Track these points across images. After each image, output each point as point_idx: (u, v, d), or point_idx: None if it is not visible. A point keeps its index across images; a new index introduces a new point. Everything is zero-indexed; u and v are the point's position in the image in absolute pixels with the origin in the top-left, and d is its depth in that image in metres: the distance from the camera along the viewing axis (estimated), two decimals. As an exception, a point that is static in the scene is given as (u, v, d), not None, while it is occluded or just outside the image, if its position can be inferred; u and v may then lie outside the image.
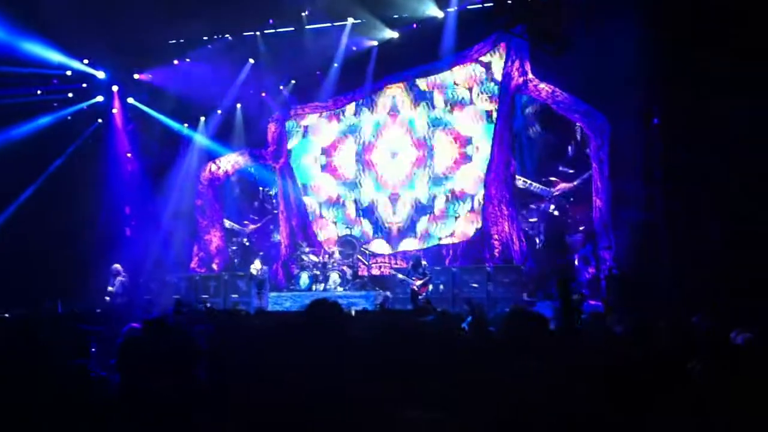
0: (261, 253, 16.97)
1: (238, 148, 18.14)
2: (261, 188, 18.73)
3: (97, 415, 3.09)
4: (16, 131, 15.03)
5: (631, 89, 13.06)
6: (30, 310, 9.67)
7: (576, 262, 14.41)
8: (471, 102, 16.82)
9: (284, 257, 17.68)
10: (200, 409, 2.87)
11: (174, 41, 16.81)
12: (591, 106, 14.19)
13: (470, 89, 16.85)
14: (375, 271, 16.97)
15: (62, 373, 3.62)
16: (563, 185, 14.34)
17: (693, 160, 11.19)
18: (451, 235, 16.77)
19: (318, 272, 16.33)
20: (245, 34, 16.68)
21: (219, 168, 18.21)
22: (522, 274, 13.90)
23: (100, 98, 17.14)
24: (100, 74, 16.77)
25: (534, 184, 14.40)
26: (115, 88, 17.22)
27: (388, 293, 15.23)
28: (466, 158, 16.81)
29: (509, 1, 14.06)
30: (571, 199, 14.05)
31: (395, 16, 15.83)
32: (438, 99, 17.18)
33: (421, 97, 17.38)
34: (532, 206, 14.35)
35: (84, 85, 16.85)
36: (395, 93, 17.62)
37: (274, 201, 18.49)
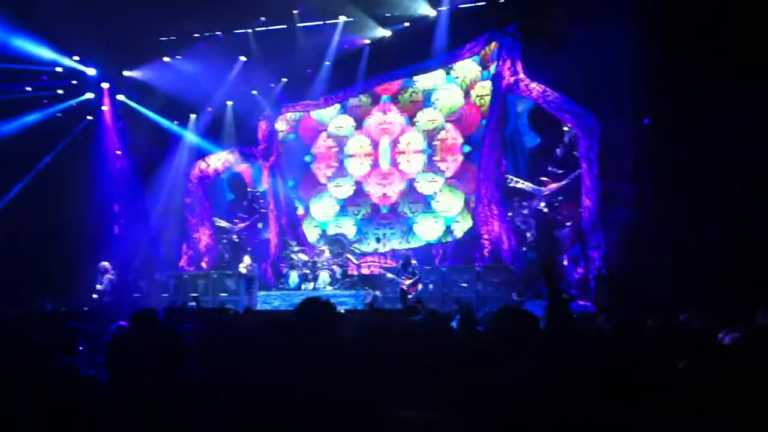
0: (249, 249, 16.94)
1: (229, 146, 18.09)
2: (249, 189, 18.68)
3: (85, 413, 3.07)
4: (5, 128, 14.93)
5: (622, 89, 13.13)
6: (18, 308, 9.61)
7: (565, 262, 14.46)
8: (467, 99, 16.88)
9: (273, 256, 17.66)
10: (189, 408, 2.86)
11: (165, 39, 16.74)
12: (581, 106, 14.25)
13: (468, 89, 16.90)
14: (364, 271, 16.97)
15: (51, 371, 3.60)
16: (553, 185, 14.59)
17: (682, 160, 11.24)
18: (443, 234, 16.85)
19: (307, 271, 16.31)
20: (237, 31, 16.63)
21: (209, 166, 18.16)
22: (512, 273, 13.94)
23: (90, 95, 17.03)
24: (91, 71, 16.68)
25: (526, 183, 14.64)
26: (105, 85, 17.11)
27: (377, 293, 15.22)
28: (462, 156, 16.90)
29: (501, 0, 14.12)
30: (560, 197, 14.31)
31: (387, 15, 15.82)
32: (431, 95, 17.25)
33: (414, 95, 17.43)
34: (525, 203, 14.62)
35: (74, 82, 16.75)
36: (387, 90, 17.65)
37: (261, 200, 18.46)
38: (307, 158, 18.40)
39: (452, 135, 17.07)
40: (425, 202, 17.14)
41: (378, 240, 17.17)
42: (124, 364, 3.50)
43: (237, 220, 18.38)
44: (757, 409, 2.67)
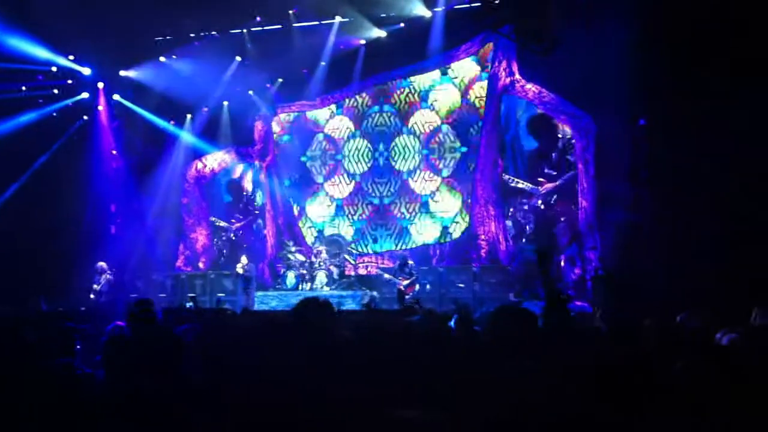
0: (245, 246, 16.92)
1: (225, 146, 18.07)
2: (245, 192, 18.65)
3: (82, 413, 3.06)
4: (0, 127, 14.89)
5: (618, 90, 13.13)
6: (14, 308, 9.59)
7: (562, 263, 14.50)
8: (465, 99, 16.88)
9: (270, 256, 17.63)
10: (187, 407, 2.86)
11: (160, 38, 16.70)
12: (577, 106, 14.29)
13: (466, 90, 16.90)
14: (362, 271, 16.97)
15: (47, 370, 3.59)
16: (549, 185, 14.83)
17: (679, 160, 11.25)
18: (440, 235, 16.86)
19: (305, 271, 16.29)
20: (232, 31, 16.60)
21: (205, 166, 18.13)
22: (508, 274, 13.96)
23: (85, 95, 17.00)
24: (86, 71, 16.65)
25: (525, 183, 14.95)
26: (100, 85, 17.09)
27: (374, 293, 15.23)
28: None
29: (496, 1, 14.13)
30: (555, 196, 14.64)
31: (383, 15, 15.80)
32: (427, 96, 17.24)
33: (410, 95, 17.42)
34: (524, 201, 14.98)
35: (69, 81, 16.72)
36: (381, 91, 17.64)
37: (255, 203, 18.44)
38: (303, 158, 18.36)
39: (450, 136, 17.05)
40: (422, 203, 17.12)
41: (375, 240, 17.17)
42: (122, 364, 3.49)
43: (234, 221, 18.34)
44: (754, 409, 2.67)
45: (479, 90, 16.67)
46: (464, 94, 16.97)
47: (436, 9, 15.20)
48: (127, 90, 17.55)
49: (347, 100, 17.93)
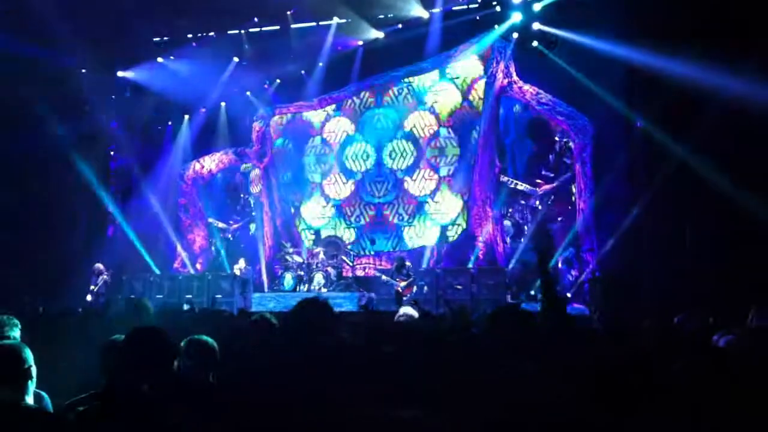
0: (242, 245, 16.89)
1: (223, 147, 18.07)
2: (242, 195, 18.63)
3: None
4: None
5: (615, 91, 13.18)
6: (11, 310, 9.54)
7: (559, 265, 14.52)
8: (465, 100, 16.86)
9: (268, 258, 17.61)
10: (181, 408, 2.85)
11: (158, 39, 16.70)
12: (574, 107, 14.36)
13: (467, 90, 16.87)
14: (359, 272, 16.94)
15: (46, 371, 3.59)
16: (546, 186, 15.02)
17: (676, 162, 11.27)
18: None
19: (302, 273, 16.27)
20: (230, 32, 16.60)
21: (203, 167, 18.12)
22: (506, 275, 13.96)
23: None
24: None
25: (524, 184, 15.18)
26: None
27: (372, 294, 15.21)
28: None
29: (495, 2, 14.16)
30: (552, 196, 14.87)
31: (381, 16, 15.83)
32: (426, 97, 17.21)
33: (409, 96, 17.39)
34: (523, 202, 15.22)
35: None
36: (380, 92, 17.61)
37: (252, 202, 18.42)
38: (307, 159, 18.29)
39: (451, 142, 16.98)
40: (421, 206, 17.07)
41: (373, 242, 17.14)
42: (117, 365, 3.48)
43: (232, 222, 18.32)
44: (752, 411, 2.67)
45: (481, 91, 16.60)
46: (466, 94, 16.90)
47: (433, 10, 15.23)
48: (124, 91, 17.54)
49: (346, 102, 17.88)
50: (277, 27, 16.34)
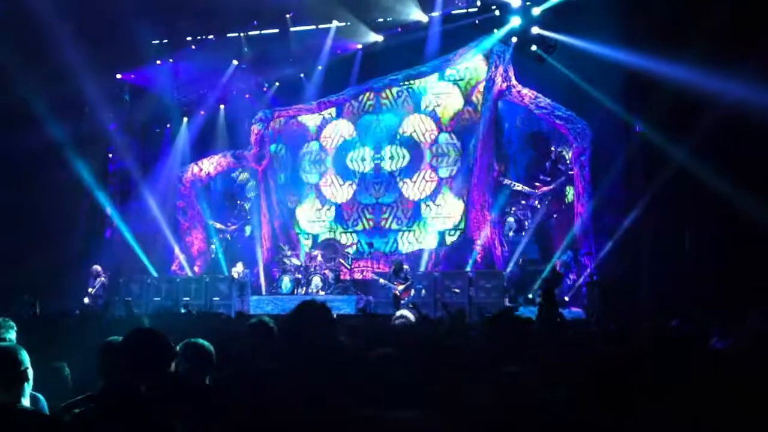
0: (239, 245, 16.86)
1: (221, 149, 18.06)
2: (238, 201, 18.62)
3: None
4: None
5: (614, 95, 13.21)
6: (7, 311, 9.52)
7: (558, 268, 14.53)
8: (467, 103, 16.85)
9: (266, 260, 17.59)
10: (178, 410, 2.84)
11: (157, 42, 16.70)
12: (573, 111, 14.40)
13: (470, 92, 16.86)
14: (357, 275, 16.93)
15: (43, 373, 3.59)
16: (544, 188, 15.43)
17: (675, 165, 11.27)
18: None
19: (300, 276, 16.26)
20: (229, 35, 16.60)
21: (201, 170, 18.09)
22: (504, 279, 13.96)
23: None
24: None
25: (524, 186, 15.61)
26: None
27: (370, 297, 15.20)
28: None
29: (494, 6, 14.19)
30: (549, 197, 15.36)
31: (380, 20, 15.85)
32: (425, 100, 17.18)
33: (408, 99, 17.37)
34: (523, 201, 15.64)
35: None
36: (379, 95, 17.57)
37: (247, 207, 18.42)
38: (302, 163, 18.26)
39: (453, 149, 16.95)
40: (418, 209, 17.05)
41: (371, 246, 17.14)
42: (114, 366, 3.48)
43: (230, 224, 18.31)
44: (749, 414, 2.67)
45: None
46: (468, 96, 16.84)
47: (433, 14, 15.25)
48: (123, 93, 17.53)
49: (345, 105, 17.84)
50: (277, 30, 16.34)
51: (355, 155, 17.68)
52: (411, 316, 6.23)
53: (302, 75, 16.94)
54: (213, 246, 17.63)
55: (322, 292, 15.71)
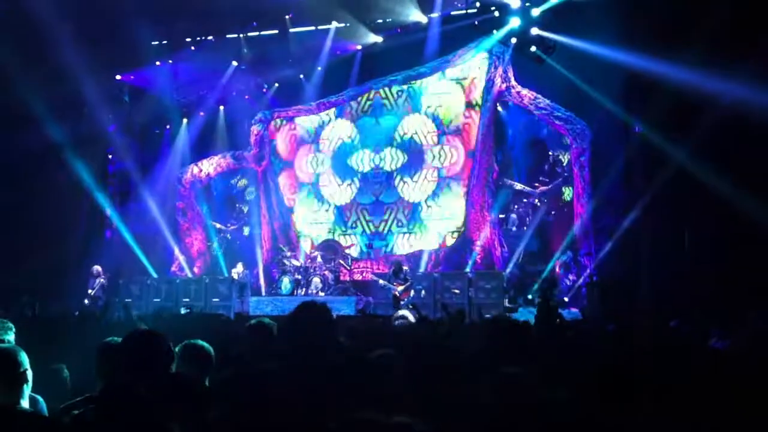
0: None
1: (221, 150, 18.06)
2: (237, 204, 18.61)
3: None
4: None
5: (613, 96, 13.22)
6: (10, 312, 9.53)
7: (557, 269, 14.54)
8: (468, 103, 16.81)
9: (265, 261, 17.58)
10: (178, 411, 2.84)
11: (157, 43, 16.70)
12: (573, 112, 14.41)
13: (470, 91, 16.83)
14: (357, 276, 16.92)
15: (42, 375, 3.59)
16: (543, 188, 15.63)
17: (675, 166, 11.28)
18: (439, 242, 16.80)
19: (300, 277, 16.25)
20: (229, 36, 16.60)
21: (201, 171, 18.09)
22: (503, 280, 13.96)
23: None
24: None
25: (525, 186, 15.77)
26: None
27: (370, 298, 15.21)
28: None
29: (493, 7, 14.18)
30: (548, 196, 15.59)
31: (379, 21, 15.85)
32: (425, 101, 17.14)
33: (408, 100, 17.32)
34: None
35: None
36: (379, 96, 17.52)
37: (245, 210, 18.42)
38: (299, 164, 18.24)
39: (453, 151, 16.92)
40: (418, 210, 17.03)
41: (370, 246, 17.13)
42: (114, 367, 3.48)
43: (230, 224, 18.31)
44: (748, 414, 2.67)
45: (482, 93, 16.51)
46: (468, 95, 16.77)
47: (432, 15, 15.26)
48: (123, 94, 17.53)
49: (344, 106, 17.80)
50: (276, 31, 16.34)
51: (354, 156, 17.64)
52: (411, 317, 6.23)
53: (302, 76, 16.93)
54: (212, 244, 17.64)
55: (321, 293, 15.71)
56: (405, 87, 17.20)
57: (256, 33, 16.48)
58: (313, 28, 16.29)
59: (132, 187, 17.56)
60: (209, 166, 18.09)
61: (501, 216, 15.88)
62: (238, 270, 15.87)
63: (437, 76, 16.82)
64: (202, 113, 17.69)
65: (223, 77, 16.96)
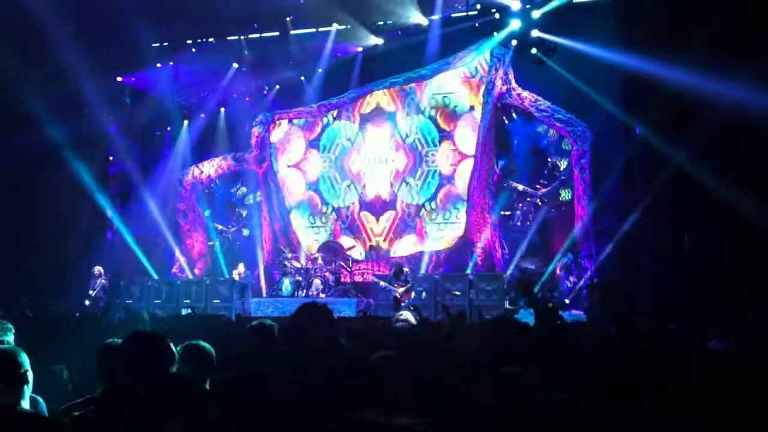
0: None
1: (222, 152, 18.06)
2: (237, 209, 18.61)
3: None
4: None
5: (614, 98, 13.23)
6: (7, 313, 9.53)
7: (558, 271, 14.55)
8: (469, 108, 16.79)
9: (266, 263, 17.59)
10: (178, 412, 2.84)
11: (158, 45, 16.71)
12: (573, 114, 14.42)
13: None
14: (357, 278, 16.91)
15: (42, 376, 3.59)
16: (543, 190, 15.75)
17: (675, 167, 11.29)
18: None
19: (300, 278, 16.25)
20: (229, 38, 16.62)
21: (202, 172, 18.10)
22: (504, 281, 13.96)
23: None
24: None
25: (527, 188, 15.90)
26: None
27: (370, 300, 15.21)
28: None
29: (493, 9, 14.19)
30: (548, 197, 15.67)
31: (380, 23, 15.87)
32: (427, 102, 17.12)
33: (409, 102, 17.30)
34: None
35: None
36: (380, 98, 17.50)
37: (244, 214, 18.42)
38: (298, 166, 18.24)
39: (452, 144, 16.92)
40: (419, 211, 17.03)
41: (371, 248, 17.13)
42: (114, 368, 3.48)
43: (230, 226, 18.32)
44: (748, 415, 2.67)
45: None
46: (468, 98, 16.78)
47: (432, 17, 15.27)
48: (124, 96, 17.55)
49: (345, 108, 17.78)
50: (277, 33, 16.37)
51: (355, 158, 17.63)
52: (411, 318, 6.23)
53: (302, 78, 16.95)
54: (213, 244, 17.65)
55: (322, 295, 15.72)
56: (406, 89, 17.19)
57: (257, 35, 16.50)
58: (313, 30, 16.31)
59: (133, 188, 17.57)
60: (210, 168, 18.11)
61: (506, 213, 16.01)
62: (239, 271, 15.87)
63: (438, 78, 16.81)
64: (202, 115, 17.71)
65: (224, 79, 16.98)
